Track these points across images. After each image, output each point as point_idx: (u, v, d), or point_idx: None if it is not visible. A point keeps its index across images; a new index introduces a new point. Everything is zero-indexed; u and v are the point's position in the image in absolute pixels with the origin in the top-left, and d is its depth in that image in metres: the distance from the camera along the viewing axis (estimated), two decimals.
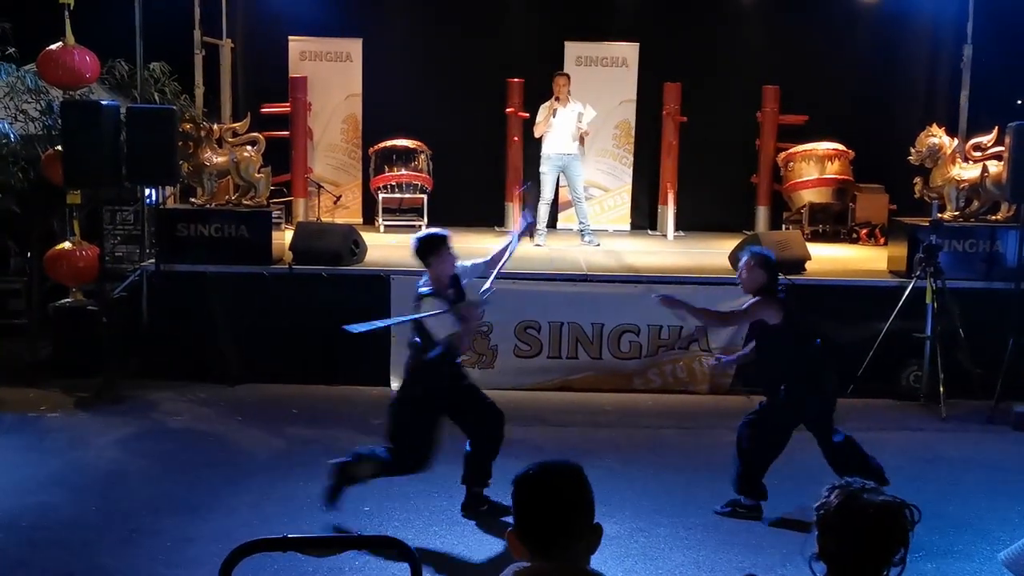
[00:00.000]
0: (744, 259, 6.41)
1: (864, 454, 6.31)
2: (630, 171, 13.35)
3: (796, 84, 12.77)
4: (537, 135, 11.70)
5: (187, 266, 9.48)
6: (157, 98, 10.57)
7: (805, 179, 12.59)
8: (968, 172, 9.82)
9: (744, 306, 6.37)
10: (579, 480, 2.54)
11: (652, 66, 13.04)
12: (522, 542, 2.50)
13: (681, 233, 12.54)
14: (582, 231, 11.72)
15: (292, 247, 9.79)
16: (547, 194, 11.64)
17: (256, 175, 10.02)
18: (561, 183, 11.91)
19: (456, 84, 13.07)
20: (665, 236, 12.54)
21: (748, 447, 6.39)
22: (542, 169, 11.62)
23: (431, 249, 6.16)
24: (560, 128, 11.44)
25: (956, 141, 10.12)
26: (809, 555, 2.51)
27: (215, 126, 10.30)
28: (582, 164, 11.81)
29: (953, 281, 8.95)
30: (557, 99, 11.45)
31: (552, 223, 12.15)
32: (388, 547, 2.63)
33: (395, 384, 9.28)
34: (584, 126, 11.52)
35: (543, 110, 11.53)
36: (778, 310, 6.23)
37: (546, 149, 11.56)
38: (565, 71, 11.78)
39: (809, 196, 12.58)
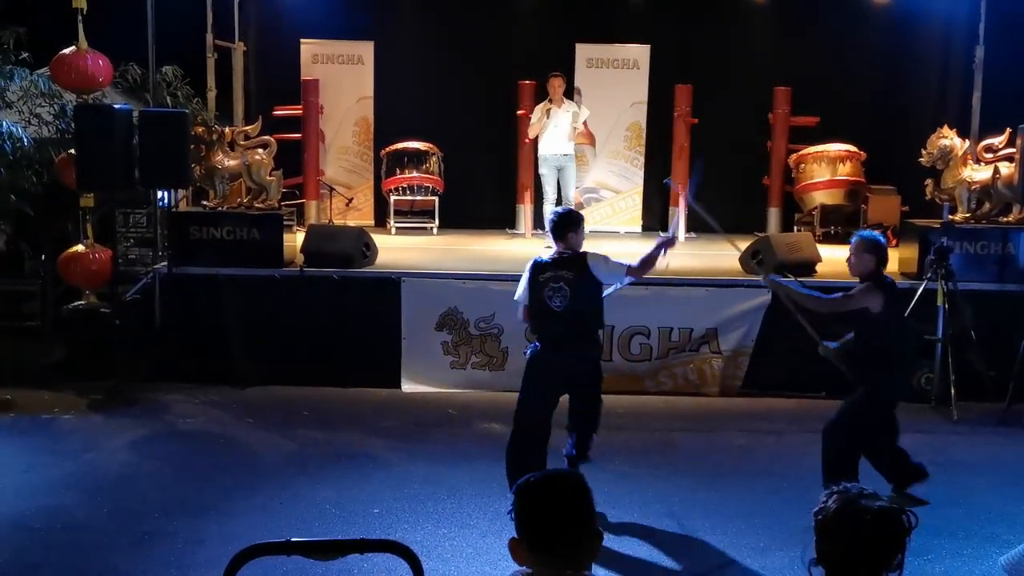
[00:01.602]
0: (853, 243, 6.44)
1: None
2: (641, 173, 13.34)
3: (808, 85, 12.73)
4: (531, 136, 11.77)
5: (199, 269, 9.52)
6: (169, 102, 10.65)
7: (817, 181, 12.57)
8: (979, 174, 9.79)
9: (851, 292, 6.35)
10: (580, 487, 2.56)
11: (663, 68, 13.04)
12: (524, 549, 2.52)
13: (692, 235, 12.51)
14: None
15: (303, 249, 9.83)
16: (550, 194, 11.72)
17: (267, 178, 10.06)
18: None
19: (467, 86, 13.10)
20: (676, 238, 12.51)
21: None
22: (541, 171, 11.74)
23: (574, 223, 6.49)
24: (555, 129, 11.52)
25: (967, 143, 10.08)
26: (808, 560, 2.53)
27: (227, 129, 10.35)
28: (576, 165, 11.97)
29: (964, 283, 8.93)
30: (551, 100, 11.51)
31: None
32: (391, 551, 2.66)
33: (405, 386, 9.33)
34: (580, 125, 11.62)
35: (537, 111, 11.60)
36: (882, 298, 6.21)
37: (542, 150, 11.66)
38: (559, 72, 11.75)
39: (821, 198, 12.55)
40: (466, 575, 5.57)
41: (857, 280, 6.39)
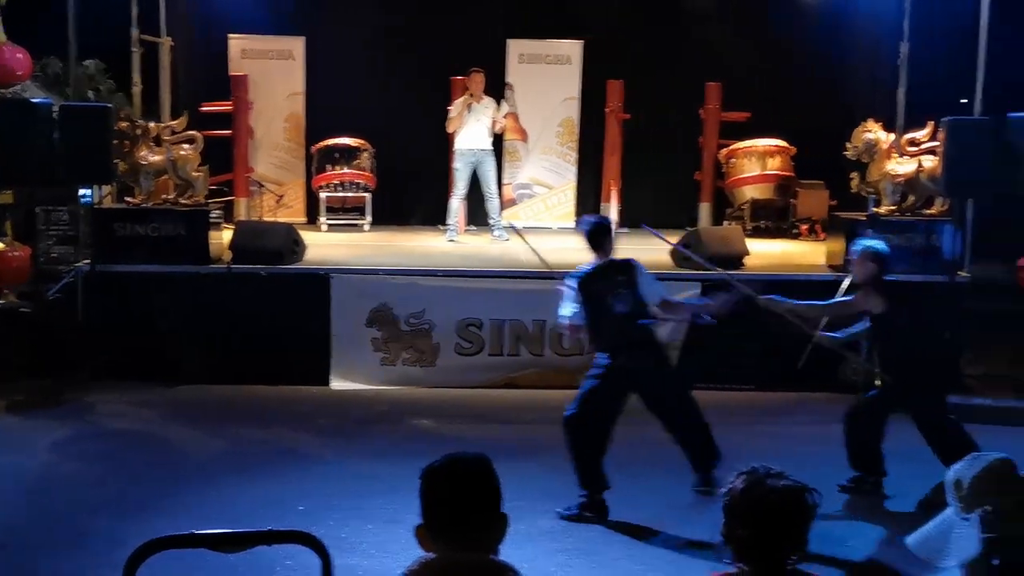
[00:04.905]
0: (856, 252, 6.74)
1: (972, 442, 6.40)
2: (574, 168, 13.37)
3: (738, 81, 12.85)
4: (450, 130, 11.73)
5: (124, 266, 9.35)
6: (92, 96, 10.43)
7: (747, 175, 12.69)
8: (904, 167, 9.93)
9: (851, 296, 6.82)
10: (486, 470, 2.54)
11: (596, 64, 13.08)
12: (430, 535, 2.50)
13: (625, 229, 12.55)
14: (492, 226, 11.83)
15: (232, 246, 9.70)
16: (461, 189, 11.70)
17: (194, 173, 9.90)
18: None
19: (400, 82, 13.03)
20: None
21: (852, 428, 6.80)
22: (456, 165, 11.71)
23: (606, 234, 6.58)
24: (476, 124, 11.50)
25: (892, 136, 10.22)
26: (717, 541, 2.53)
27: (152, 124, 10.16)
28: (506, 161, 11.95)
29: (890, 274, 9.03)
30: (471, 95, 11.49)
31: (484, 220, 12.16)
32: (299, 541, 2.61)
33: (334, 383, 9.24)
34: (500, 118, 11.65)
35: (457, 105, 11.56)
36: (882, 300, 6.56)
37: (459, 145, 11.63)
38: (479, 68, 11.72)
39: (751, 192, 12.67)
40: (391, 570, 5.48)
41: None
